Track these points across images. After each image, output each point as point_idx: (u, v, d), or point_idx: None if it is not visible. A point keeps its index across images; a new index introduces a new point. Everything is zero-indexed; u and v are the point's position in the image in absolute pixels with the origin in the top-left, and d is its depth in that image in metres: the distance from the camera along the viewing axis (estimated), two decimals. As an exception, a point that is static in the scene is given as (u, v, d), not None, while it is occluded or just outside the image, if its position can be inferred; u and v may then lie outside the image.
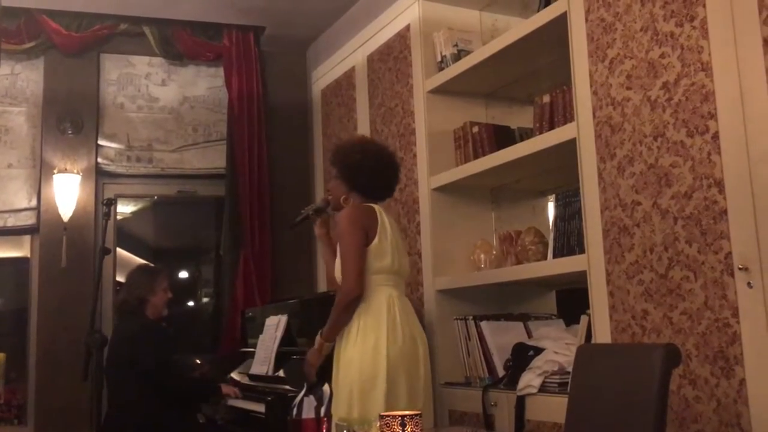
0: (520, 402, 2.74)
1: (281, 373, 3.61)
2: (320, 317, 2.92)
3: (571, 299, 3.19)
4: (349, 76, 4.22)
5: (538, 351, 2.86)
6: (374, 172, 2.85)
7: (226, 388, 3.81)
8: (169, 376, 3.62)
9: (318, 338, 2.77)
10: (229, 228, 4.88)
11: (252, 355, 4.06)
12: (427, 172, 3.43)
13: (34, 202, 4.74)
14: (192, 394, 3.84)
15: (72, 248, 4.65)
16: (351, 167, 2.85)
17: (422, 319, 3.39)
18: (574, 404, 2.08)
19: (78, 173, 4.73)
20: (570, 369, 2.46)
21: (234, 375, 4.09)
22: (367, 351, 2.61)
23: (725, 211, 2.11)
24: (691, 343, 2.19)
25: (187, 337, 5.31)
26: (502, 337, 3.07)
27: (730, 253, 2.09)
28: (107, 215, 3.26)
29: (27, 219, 4.73)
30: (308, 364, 2.81)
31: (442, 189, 3.40)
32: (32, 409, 4.58)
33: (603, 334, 2.50)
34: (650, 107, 2.37)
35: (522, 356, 2.90)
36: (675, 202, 2.27)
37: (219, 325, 4.92)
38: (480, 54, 3.21)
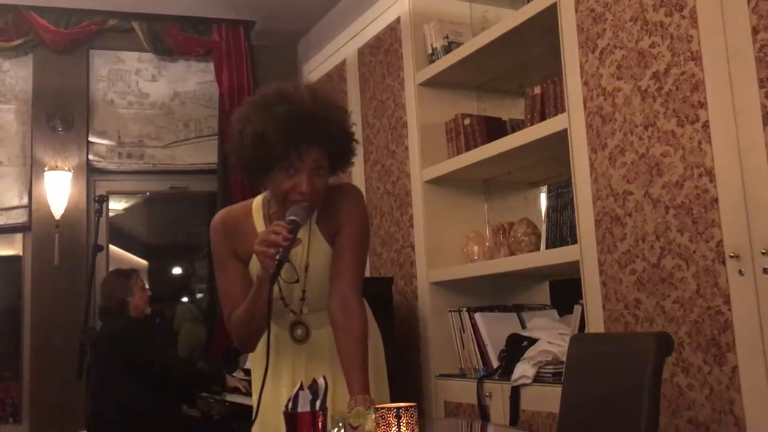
0: (515, 392, 2.75)
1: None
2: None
3: (564, 289, 3.20)
4: (340, 69, 4.21)
5: (532, 341, 2.87)
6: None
7: (232, 380, 3.79)
8: (172, 366, 3.61)
9: None
10: (222, 223, 4.86)
11: (247, 350, 4.06)
12: (420, 165, 3.43)
13: (25, 200, 4.72)
14: (197, 382, 3.84)
15: (64, 246, 4.64)
16: (352, 150, 1.88)
17: (416, 311, 3.40)
18: (568, 394, 2.09)
19: (69, 170, 4.71)
20: (564, 359, 2.47)
21: (229, 370, 4.09)
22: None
23: (716, 200, 2.12)
24: (684, 331, 2.21)
25: (183, 334, 5.31)
26: (496, 329, 3.08)
27: (721, 241, 2.11)
28: (99, 212, 3.26)
29: (18, 217, 4.72)
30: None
31: (434, 181, 3.40)
32: (27, 407, 4.58)
33: (596, 324, 2.51)
34: (641, 97, 2.37)
35: (516, 347, 2.91)
36: (666, 191, 2.28)
37: (213, 321, 4.91)
38: (470, 46, 3.21)
